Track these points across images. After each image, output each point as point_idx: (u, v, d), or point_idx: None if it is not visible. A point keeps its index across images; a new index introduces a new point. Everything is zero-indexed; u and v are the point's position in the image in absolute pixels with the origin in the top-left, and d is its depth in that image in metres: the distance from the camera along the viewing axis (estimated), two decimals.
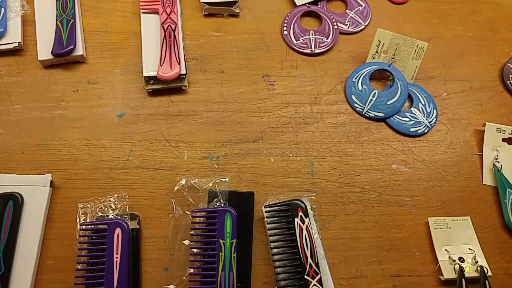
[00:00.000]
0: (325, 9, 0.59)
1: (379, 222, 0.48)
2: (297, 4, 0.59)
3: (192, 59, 0.54)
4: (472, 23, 0.61)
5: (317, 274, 0.42)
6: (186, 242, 0.44)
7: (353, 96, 0.54)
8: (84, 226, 0.43)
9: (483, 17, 0.62)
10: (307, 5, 0.59)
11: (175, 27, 0.53)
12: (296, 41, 0.56)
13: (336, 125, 0.53)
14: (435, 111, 0.54)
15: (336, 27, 0.58)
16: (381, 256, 0.46)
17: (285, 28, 0.57)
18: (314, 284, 0.42)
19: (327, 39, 0.56)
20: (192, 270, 0.43)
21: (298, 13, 0.58)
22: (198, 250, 0.43)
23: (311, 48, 0.55)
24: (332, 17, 0.58)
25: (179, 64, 0.51)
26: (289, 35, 0.56)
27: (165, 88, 0.52)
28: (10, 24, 0.52)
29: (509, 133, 0.53)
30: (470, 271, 0.45)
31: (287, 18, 0.57)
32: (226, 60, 0.55)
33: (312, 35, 0.56)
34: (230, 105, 0.52)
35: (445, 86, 0.57)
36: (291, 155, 0.50)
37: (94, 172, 0.47)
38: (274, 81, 0.54)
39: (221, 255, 0.42)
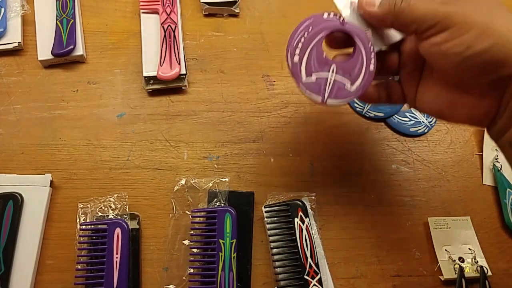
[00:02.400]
0: (366, 34, 0.36)
1: (379, 222, 0.48)
2: (338, 8, 0.37)
3: (192, 59, 0.54)
4: None
5: (317, 274, 0.42)
6: (186, 242, 0.44)
7: None
8: (84, 226, 0.43)
9: None
10: (342, 18, 0.36)
11: (175, 27, 0.53)
12: (307, 76, 0.36)
13: (336, 125, 0.52)
14: None
15: (372, 67, 0.36)
16: (381, 256, 0.46)
17: (297, 51, 0.36)
18: (314, 284, 0.42)
19: (351, 85, 0.36)
20: (192, 270, 0.43)
21: (323, 31, 0.36)
22: (198, 250, 0.43)
23: (324, 94, 0.36)
24: (371, 47, 0.36)
25: (179, 64, 0.51)
26: (300, 65, 0.36)
27: (165, 88, 0.52)
28: (10, 24, 0.52)
29: None
30: (470, 271, 0.45)
31: (304, 34, 0.36)
32: (226, 60, 0.55)
33: (332, 72, 0.36)
34: (230, 105, 0.52)
35: None
36: (291, 155, 0.50)
37: (94, 172, 0.47)
38: (274, 81, 0.54)
39: (221, 255, 0.42)
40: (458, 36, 0.30)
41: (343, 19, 0.36)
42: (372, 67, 0.36)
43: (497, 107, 0.32)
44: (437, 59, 0.32)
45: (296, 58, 0.36)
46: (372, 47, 0.36)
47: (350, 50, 0.37)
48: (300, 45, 0.36)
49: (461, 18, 0.30)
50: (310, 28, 0.36)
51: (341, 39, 0.37)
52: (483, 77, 0.31)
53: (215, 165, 0.49)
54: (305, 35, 0.36)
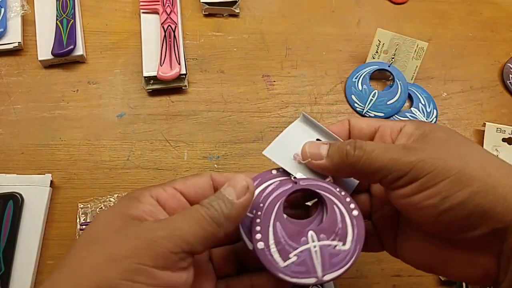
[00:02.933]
0: (328, 182, 0.30)
1: None
2: (283, 167, 0.31)
3: (192, 59, 0.54)
4: (472, 23, 0.61)
5: None
6: None
7: (353, 96, 0.54)
8: (84, 226, 0.43)
9: (483, 17, 0.62)
10: (294, 177, 0.31)
11: (175, 27, 0.53)
12: (285, 260, 0.27)
13: None
14: (435, 111, 0.54)
15: (355, 212, 0.29)
16: (381, 256, 0.46)
17: (258, 236, 0.28)
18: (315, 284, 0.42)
19: (344, 243, 0.28)
20: None
21: (279, 200, 0.29)
22: None
23: (316, 272, 0.27)
24: (341, 192, 0.29)
25: (179, 64, 0.51)
26: (269, 250, 0.27)
27: (165, 88, 0.52)
28: (10, 24, 0.52)
29: (509, 133, 0.53)
30: None
31: (258, 212, 0.28)
32: (226, 60, 0.55)
33: (312, 240, 0.28)
34: (230, 105, 0.52)
35: (445, 86, 0.57)
36: None
37: (94, 172, 0.47)
38: (274, 81, 0.54)
39: None
40: (430, 187, 0.25)
41: (295, 178, 0.30)
42: (356, 212, 0.29)
43: (497, 265, 0.26)
44: (411, 211, 0.27)
45: (260, 245, 0.28)
46: (342, 192, 0.30)
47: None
48: (258, 227, 0.28)
49: (430, 166, 0.25)
50: (260, 204, 0.29)
51: (298, 198, 0.31)
52: (470, 232, 0.25)
53: (215, 165, 0.49)
54: (259, 213, 0.29)
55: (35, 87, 0.51)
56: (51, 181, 0.46)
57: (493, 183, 0.24)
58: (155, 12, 0.54)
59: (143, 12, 0.54)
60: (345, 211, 0.29)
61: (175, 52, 0.51)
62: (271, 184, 0.30)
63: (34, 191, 0.45)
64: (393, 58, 0.55)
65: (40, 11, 0.53)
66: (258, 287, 0.30)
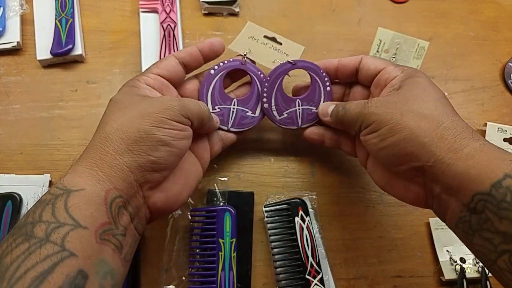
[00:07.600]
0: (318, 66, 0.44)
1: (380, 223, 0.47)
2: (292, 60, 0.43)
3: None
4: (474, 22, 0.61)
5: (319, 273, 0.42)
6: (186, 242, 0.44)
7: None
8: None
9: (485, 17, 0.61)
10: (291, 61, 0.43)
11: (175, 26, 0.53)
12: (280, 116, 0.44)
13: None
14: None
15: (328, 88, 0.44)
16: (382, 257, 0.46)
17: (265, 99, 0.44)
18: (316, 284, 0.42)
19: (316, 108, 0.44)
20: (192, 270, 0.43)
21: (282, 74, 0.43)
22: (197, 250, 0.43)
23: (298, 123, 0.44)
24: (325, 75, 0.44)
25: None
26: (271, 109, 0.44)
27: None
28: (8, 24, 0.52)
29: (510, 133, 0.52)
30: (471, 272, 0.45)
31: (266, 84, 0.43)
32: None
33: (298, 105, 0.44)
34: None
35: (446, 85, 0.56)
36: (291, 155, 0.50)
37: None
38: None
39: (221, 255, 0.42)
40: (375, 131, 0.35)
41: (293, 60, 0.43)
42: (328, 88, 0.44)
43: (424, 193, 0.35)
44: (366, 146, 0.38)
45: (265, 105, 0.44)
46: (324, 72, 0.43)
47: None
48: (264, 95, 0.43)
49: (377, 117, 0.35)
50: (270, 77, 0.43)
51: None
52: (399, 166, 0.35)
53: (215, 165, 0.48)
54: (266, 84, 0.43)
55: (34, 87, 0.51)
56: (49, 181, 0.45)
57: (419, 133, 0.33)
58: (155, 11, 0.54)
59: (143, 11, 0.54)
60: (322, 87, 0.44)
61: (174, 51, 0.51)
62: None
63: (33, 191, 0.44)
64: (394, 57, 0.54)
65: (39, 10, 0.53)
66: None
